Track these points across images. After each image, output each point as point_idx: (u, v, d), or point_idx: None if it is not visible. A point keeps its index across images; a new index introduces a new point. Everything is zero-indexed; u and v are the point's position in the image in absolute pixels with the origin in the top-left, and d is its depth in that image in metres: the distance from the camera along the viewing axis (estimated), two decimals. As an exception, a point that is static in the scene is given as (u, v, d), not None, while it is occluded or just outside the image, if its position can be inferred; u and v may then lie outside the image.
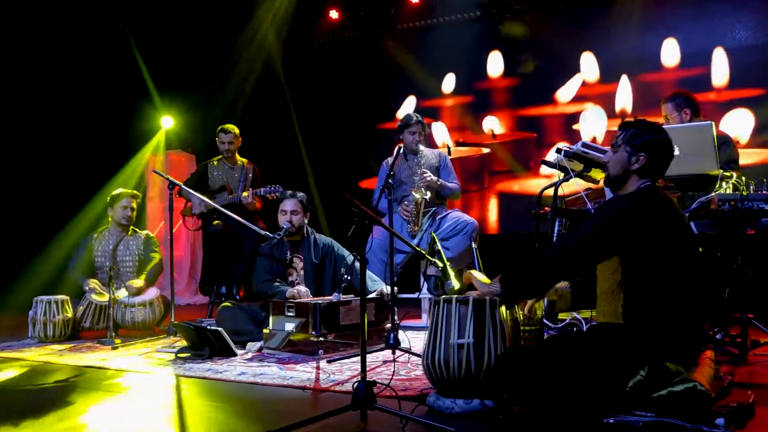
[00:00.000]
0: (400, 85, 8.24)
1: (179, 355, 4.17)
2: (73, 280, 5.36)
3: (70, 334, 5.01)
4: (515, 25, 7.63)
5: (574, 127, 7.35)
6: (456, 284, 3.04)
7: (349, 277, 4.34)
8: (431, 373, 2.77)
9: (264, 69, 8.35)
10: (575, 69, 7.34)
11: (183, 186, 5.39)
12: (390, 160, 5.90)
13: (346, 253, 4.87)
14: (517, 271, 2.69)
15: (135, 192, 5.66)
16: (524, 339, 3.19)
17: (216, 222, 5.97)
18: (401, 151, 5.63)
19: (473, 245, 4.52)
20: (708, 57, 6.76)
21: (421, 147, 5.69)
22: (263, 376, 3.58)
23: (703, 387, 2.42)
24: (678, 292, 2.59)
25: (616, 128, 6.89)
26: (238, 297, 6.05)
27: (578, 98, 7.34)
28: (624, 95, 7.12)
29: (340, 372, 3.65)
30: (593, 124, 7.23)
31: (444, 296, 2.78)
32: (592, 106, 7.27)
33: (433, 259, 3.26)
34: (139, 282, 5.26)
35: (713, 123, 3.86)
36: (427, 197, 5.49)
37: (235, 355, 4.17)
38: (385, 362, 3.91)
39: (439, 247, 3.27)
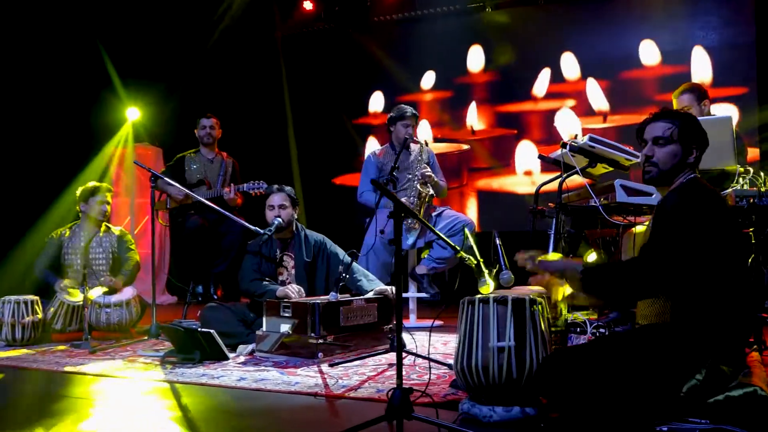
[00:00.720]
0: (376, 80, 8.04)
1: (166, 359, 3.89)
2: (41, 280, 5.00)
3: (39, 336, 4.66)
4: (496, 19, 7.49)
5: (555, 124, 7.24)
6: (491, 282, 2.84)
7: (347, 276, 4.12)
8: (466, 379, 2.57)
9: (235, 60, 8.03)
10: (556, 66, 7.23)
11: (163, 177, 5.06)
12: (377, 152, 5.72)
13: (339, 250, 4.64)
14: (602, 269, 2.52)
15: (107, 184, 5.32)
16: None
17: (194, 217, 5.67)
18: (402, 144, 5.44)
19: (498, 242, 4.30)
20: (688, 55, 6.72)
21: (414, 138, 5.50)
22: (265, 382, 3.33)
23: (764, 392, 2.28)
24: (731, 288, 2.44)
25: (595, 126, 6.90)
26: (215, 296, 5.76)
27: (559, 95, 7.24)
28: (604, 93, 7.04)
29: (347, 377, 3.43)
30: (572, 122, 7.13)
31: (479, 296, 2.58)
32: (572, 103, 7.17)
33: (468, 256, 3.05)
34: (115, 279, 4.94)
35: (731, 117, 3.74)
36: (432, 192, 5.33)
37: (227, 358, 3.91)
38: (390, 365, 3.69)
39: (472, 242, 3.06)
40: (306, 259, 4.51)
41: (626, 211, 4.28)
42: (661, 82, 6.86)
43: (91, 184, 5.27)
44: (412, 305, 5.52)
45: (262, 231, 4.41)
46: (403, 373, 3.29)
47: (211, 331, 3.90)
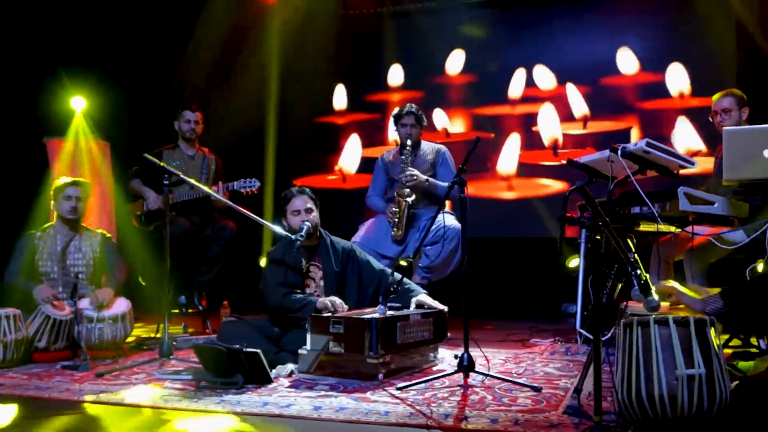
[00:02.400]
0: (343, 76, 7.63)
1: (201, 383, 3.38)
2: (17, 290, 4.31)
3: (21, 357, 4.00)
4: (473, 20, 7.25)
5: (533, 128, 7.09)
6: (657, 298, 2.56)
7: (398, 287, 3.75)
8: (632, 409, 2.27)
9: (193, 50, 7.41)
10: (536, 70, 7.09)
11: (178, 175, 4.46)
12: (387, 154, 5.39)
13: (370, 258, 4.26)
14: (749, 288, 2.27)
15: (80, 179, 4.69)
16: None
17: (181, 220, 5.12)
18: (401, 146, 5.17)
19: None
20: (666, 65, 6.73)
21: (416, 141, 5.17)
22: (347, 411, 2.93)
23: None
24: None
25: (576, 131, 6.81)
26: (200, 307, 5.24)
27: (538, 99, 7.10)
28: (585, 98, 6.96)
29: (433, 402, 3.06)
30: (553, 126, 7.01)
31: (654, 316, 2.30)
32: (550, 106, 7.05)
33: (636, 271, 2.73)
34: (107, 291, 4.34)
35: None
36: (409, 200, 5.00)
37: (271, 382, 3.46)
38: (460, 386, 3.36)
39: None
40: (336, 269, 4.10)
41: (682, 221, 4.11)
42: (641, 90, 6.84)
43: (61, 180, 4.63)
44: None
45: (293, 237, 3.95)
46: (485, 398, 3.01)
47: (258, 351, 3.43)
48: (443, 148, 5.30)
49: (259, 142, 7.45)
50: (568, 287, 6.76)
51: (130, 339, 4.55)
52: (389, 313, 3.65)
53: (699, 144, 6.53)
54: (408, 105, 5.22)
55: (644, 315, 2.45)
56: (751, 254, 3.88)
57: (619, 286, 2.85)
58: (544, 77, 7.05)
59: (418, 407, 2.97)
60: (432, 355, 3.97)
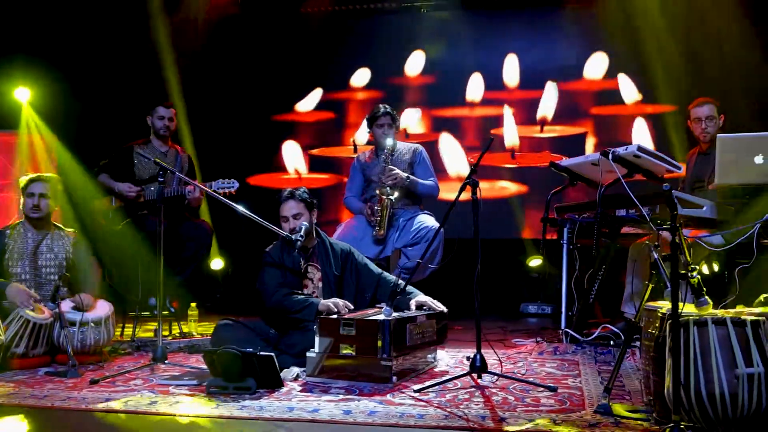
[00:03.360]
0: (302, 74, 7.54)
1: (211, 388, 3.25)
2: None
3: (0, 363, 3.75)
4: (434, 20, 7.30)
5: (492, 131, 7.19)
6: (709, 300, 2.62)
7: (403, 288, 3.73)
8: (706, 410, 2.33)
9: (142, 42, 7.14)
10: (495, 72, 7.19)
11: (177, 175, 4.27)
12: (363, 156, 5.35)
13: (368, 261, 4.22)
14: None
15: (45, 174, 4.43)
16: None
17: (154, 219, 4.91)
18: (379, 147, 5.15)
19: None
20: (620, 72, 6.95)
21: (390, 141, 5.15)
22: (378, 415, 2.87)
23: None
24: None
25: (533, 135, 6.94)
26: (172, 310, 5.04)
27: (496, 102, 7.20)
28: (546, 102, 7.10)
29: (460, 403, 3.05)
30: (512, 130, 7.13)
31: (712, 316, 2.36)
32: (509, 111, 7.16)
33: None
34: (89, 295, 4.12)
35: None
36: (393, 198, 5.00)
37: (282, 386, 3.36)
38: (474, 387, 3.36)
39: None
40: (335, 272, 4.03)
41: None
42: (596, 96, 7.05)
43: (24, 176, 4.38)
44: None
45: (293, 237, 3.86)
46: (507, 398, 3.01)
47: (272, 354, 3.33)
48: (420, 147, 5.30)
49: (213, 140, 7.25)
50: (527, 287, 6.92)
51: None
52: (395, 314, 3.61)
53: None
54: (382, 106, 5.20)
55: (688, 315, 2.51)
56: (730, 256, 4.06)
57: (650, 286, 2.89)
58: (502, 81, 7.16)
59: (448, 409, 2.95)
60: (430, 356, 3.95)
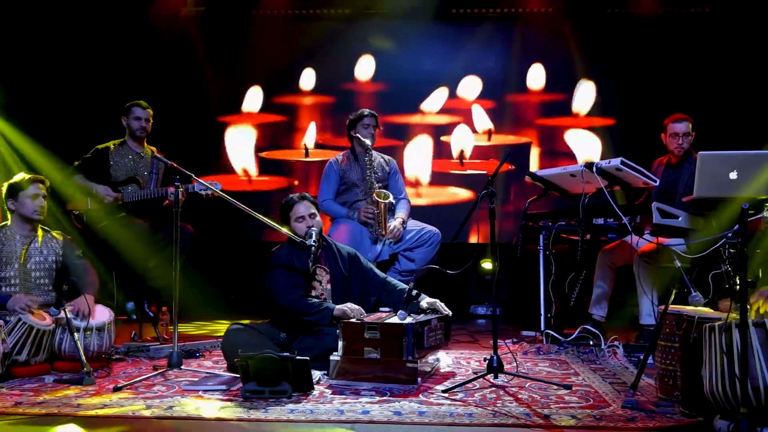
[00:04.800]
0: (250, 76, 7.51)
1: (247, 393, 3.28)
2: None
3: (4, 371, 3.61)
4: (386, 28, 7.44)
5: (443, 138, 7.43)
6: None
7: (419, 292, 3.88)
8: (750, 401, 2.61)
9: (86, 39, 6.92)
10: (446, 81, 7.42)
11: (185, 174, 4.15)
12: (339, 159, 5.44)
13: (372, 265, 4.33)
14: None
15: (39, 176, 4.30)
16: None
17: (141, 221, 4.85)
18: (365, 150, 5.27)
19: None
20: (570, 85, 7.35)
21: (370, 141, 5.30)
22: (428, 415, 3.01)
23: None
24: None
25: (483, 143, 7.22)
26: (151, 314, 4.97)
27: (447, 111, 7.44)
28: (489, 114, 7.40)
29: (495, 402, 3.23)
30: (463, 139, 7.39)
31: (752, 319, 2.65)
32: (460, 120, 7.42)
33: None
34: (90, 298, 4.01)
35: None
36: (388, 201, 5.17)
37: (312, 389, 3.43)
38: (494, 386, 3.55)
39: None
40: (344, 273, 4.14)
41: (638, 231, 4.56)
42: (541, 107, 7.42)
43: (20, 175, 4.22)
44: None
45: (308, 242, 3.93)
46: (533, 396, 3.24)
47: (307, 358, 3.39)
48: (393, 160, 5.46)
49: (157, 139, 7.11)
50: (476, 290, 7.19)
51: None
52: (408, 319, 3.75)
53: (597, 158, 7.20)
54: (365, 109, 5.33)
55: (712, 319, 2.81)
56: (696, 262, 4.44)
57: (674, 292, 3.18)
58: (453, 90, 7.40)
59: (489, 408, 3.12)
60: (433, 357, 4.11)
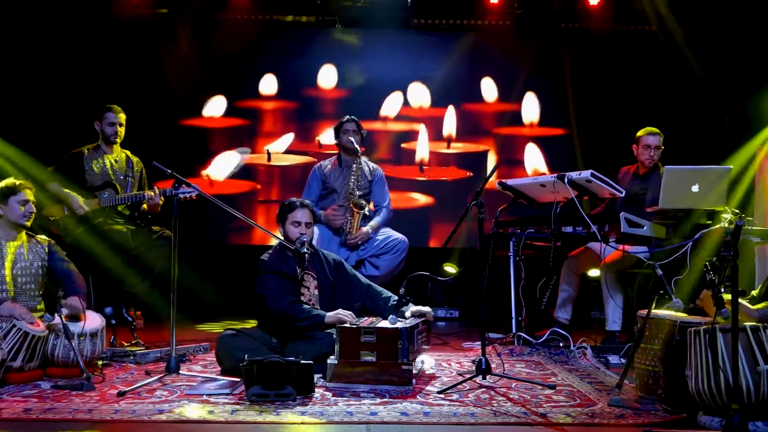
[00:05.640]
0: (213, 79, 7.52)
1: (253, 396, 3.38)
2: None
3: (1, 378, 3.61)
4: (348, 37, 7.58)
5: (402, 145, 7.61)
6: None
7: (410, 299, 4.05)
8: (715, 399, 2.88)
9: (47, 39, 6.83)
10: (407, 89, 7.60)
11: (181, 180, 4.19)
12: (325, 164, 5.56)
13: (356, 272, 4.47)
14: None
15: (25, 181, 4.28)
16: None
17: (118, 227, 4.86)
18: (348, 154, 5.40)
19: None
20: (520, 96, 7.64)
21: (355, 146, 5.45)
22: (433, 416, 3.19)
23: None
24: None
25: (442, 151, 7.43)
26: (129, 318, 4.98)
27: (408, 118, 7.63)
28: (450, 122, 7.62)
29: (491, 403, 3.42)
30: (423, 146, 7.59)
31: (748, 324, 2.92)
32: (422, 127, 7.62)
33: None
34: (78, 302, 4.03)
35: (732, 168, 4.59)
36: (365, 211, 5.31)
37: (313, 391, 3.56)
38: (483, 387, 3.74)
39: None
40: (331, 280, 4.27)
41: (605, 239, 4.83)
42: (498, 117, 7.68)
43: (9, 180, 4.20)
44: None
45: (303, 250, 4.06)
46: (524, 396, 3.46)
47: (311, 363, 3.51)
48: (379, 168, 5.60)
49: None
50: (436, 293, 7.41)
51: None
52: (398, 323, 3.90)
53: (544, 167, 7.51)
54: (347, 116, 5.47)
55: (698, 324, 3.07)
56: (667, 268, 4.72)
57: (655, 297, 3.43)
58: (413, 98, 7.60)
59: (488, 408, 3.31)
60: (418, 360, 4.27)
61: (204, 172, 7.50)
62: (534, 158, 7.57)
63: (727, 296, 3.00)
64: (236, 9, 7.39)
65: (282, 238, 4.19)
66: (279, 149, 7.53)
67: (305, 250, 4.05)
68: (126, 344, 4.76)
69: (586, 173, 4.74)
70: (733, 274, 2.77)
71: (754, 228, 4.58)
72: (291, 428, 3.00)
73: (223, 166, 7.43)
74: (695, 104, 6.71)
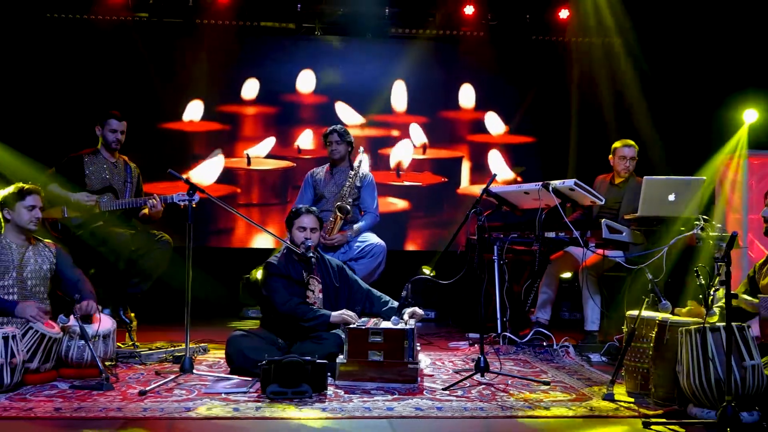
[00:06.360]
0: (193, 84, 7.62)
1: (271, 394, 3.55)
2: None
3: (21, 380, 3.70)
4: (327, 43, 7.76)
5: (379, 151, 7.83)
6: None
7: (412, 300, 4.26)
8: (705, 393, 3.17)
9: (29, 41, 6.85)
10: (384, 96, 7.81)
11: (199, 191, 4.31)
12: (317, 170, 5.72)
13: (357, 277, 4.66)
14: None
15: (34, 185, 4.35)
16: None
17: (118, 230, 4.96)
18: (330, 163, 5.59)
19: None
20: (493, 104, 7.95)
21: (343, 157, 5.62)
22: (446, 410, 3.41)
23: None
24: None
25: (419, 156, 7.67)
26: (127, 320, 5.07)
27: (386, 124, 7.85)
28: (424, 129, 7.87)
29: (495, 398, 3.66)
30: (402, 152, 7.82)
31: (722, 324, 3.21)
32: (396, 134, 7.85)
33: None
34: (92, 305, 4.13)
35: (705, 179, 4.93)
36: (348, 217, 5.49)
37: (326, 389, 3.74)
38: (492, 385, 3.98)
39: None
40: (336, 284, 4.45)
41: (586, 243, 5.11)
42: (471, 125, 7.97)
43: (17, 185, 4.27)
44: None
45: (310, 254, 4.24)
46: (522, 392, 3.70)
47: (325, 362, 3.70)
48: (370, 174, 5.77)
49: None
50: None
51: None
52: (399, 324, 4.11)
53: (510, 174, 7.82)
54: (336, 125, 5.65)
55: (686, 323, 3.37)
56: (629, 271, 5.04)
57: (646, 300, 3.72)
58: (392, 105, 7.82)
59: (494, 403, 3.55)
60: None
61: (184, 176, 7.54)
62: (497, 164, 7.85)
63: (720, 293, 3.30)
64: (217, 14, 7.48)
65: (289, 243, 4.36)
66: (259, 154, 7.65)
67: (311, 254, 4.23)
68: (122, 345, 4.85)
69: (569, 182, 5.02)
70: (726, 279, 3.05)
71: (722, 234, 4.89)
72: (315, 423, 3.18)
73: (206, 172, 7.53)
74: (663, 116, 7.05)
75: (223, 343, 4.27)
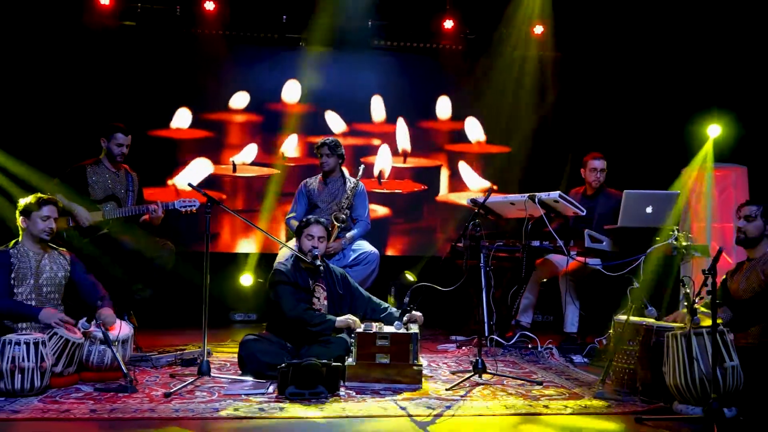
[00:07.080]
0: (180, 91, 7.77)
1: (291, 395, 3.79)
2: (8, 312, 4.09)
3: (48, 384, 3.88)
4: (311, 54, 7.97)
5: (361, 159, 8.07)
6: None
7: (414, 306, 4.53)
8: (707, 391, 3.51)
9: (20, 47, 6.94)
10: (366, 106, 8.08)
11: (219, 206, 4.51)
12: (311, 180, 5.94)
13: (358, 285, 4.91)
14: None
15: (52, 196, 4.53)
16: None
17: (122, 237, 5.13)
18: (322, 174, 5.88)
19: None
20: (471, 115, 8.28)
21: (333, 168, 5.86)
22: (455, 409, 3.68)
23: None
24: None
25: (399, 165, 7.95)
26: (132, 325, 5.23)
27: (367, 134, 8.11)
28: (404, 137, 8.16)
29: (496, 397, 3.95)
30: (383, 160, 8.09)
31: (703, 329, 3.56)
32: (378, 142, 8.12)
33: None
34: (110, 311, 4.32)
35: (680, 192, 5.31)
36: (343, 225, 5.73)
37: (338, 390, 3.99)
38: (490, 385, 4.28)
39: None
40: (340, 292, 4.70)
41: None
42: (449, 135, 8.28)
43: (35, 195, 4.44)
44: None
45: (318, 263, 4.48)
46: (519, 391, 3.99)
47: (339, 365, 3.95)
48: (361, 183, 6.01)
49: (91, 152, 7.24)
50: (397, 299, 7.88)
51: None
52: (401, 329, 4.38)
53: (485, 183, 8.16)
54: (328, 137, 5.89)
55: (671, 328, 3.72)
56: (609, 278, 5.39)
57: (633, 307, 4.06)
58: (371, 114, 8.09)
59: (496, 402, 3.84)
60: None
61: (170, 182, 7.73)
62: (468, 175, 8.18)
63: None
64: (203, 24, 7.65)
65: (300, 254, 4.60)
66: (244, 160, 7.84)
67: (319, 263, 4.47)
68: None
69: (554, 194, 5.35)
70: (713, 289, 3.40)
71: (694, 244, 5.29)
72: (339, 422, 3.43)
73: (194, 175, 7.69)
74: (634, 130, 7.45)
75: (223, 347, 4.47)
